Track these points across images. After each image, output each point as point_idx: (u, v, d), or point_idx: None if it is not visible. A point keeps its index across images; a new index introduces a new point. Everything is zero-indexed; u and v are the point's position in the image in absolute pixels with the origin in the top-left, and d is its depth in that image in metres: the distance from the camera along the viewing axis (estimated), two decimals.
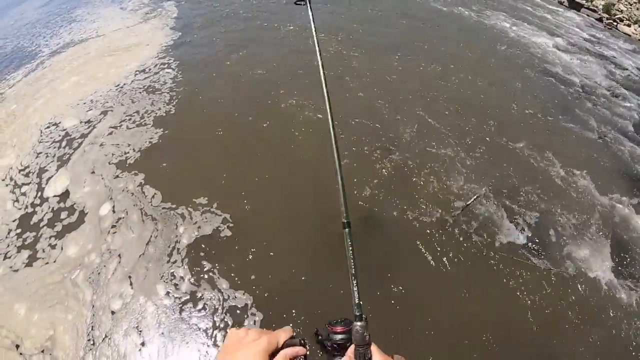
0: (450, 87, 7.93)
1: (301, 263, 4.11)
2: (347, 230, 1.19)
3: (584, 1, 17.92)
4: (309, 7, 2.07)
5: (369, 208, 4.85)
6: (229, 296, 3.81)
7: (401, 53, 8.95)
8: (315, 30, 1.88)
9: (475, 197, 5.06)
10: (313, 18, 1.97)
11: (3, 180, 5.64)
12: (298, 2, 2.19)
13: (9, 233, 4.66)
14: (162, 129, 6.09)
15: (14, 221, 4.81)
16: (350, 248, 1.14)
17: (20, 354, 3.53)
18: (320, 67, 1.66)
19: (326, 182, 4.67)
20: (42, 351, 3.51)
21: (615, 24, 16.67)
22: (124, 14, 13.01)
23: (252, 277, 3.97)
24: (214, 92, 7.04)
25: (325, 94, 1.55)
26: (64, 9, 15.61)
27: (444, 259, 4.36)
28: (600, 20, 16.80)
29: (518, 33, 11.87)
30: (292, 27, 10.00)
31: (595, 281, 4.59)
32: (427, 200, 5.04)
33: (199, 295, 3.82)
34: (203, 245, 4.29)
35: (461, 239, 4.63)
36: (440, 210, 4.91)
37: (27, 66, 9.48)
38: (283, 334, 1.01)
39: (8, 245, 4.50)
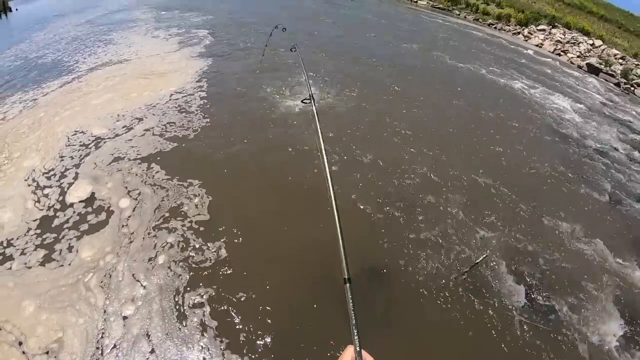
0: (465, 144, 8.45)
1: (301, 314, 4.35)
2: (347, 285, 1.36)
3: (603, 66, 19.09)
4: (313, 106, 2.55)
5: (372, 261, 5.13)
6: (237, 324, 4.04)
7: (419, 111, 9.62)
8: (320, 132, 2.23)
9: (483, 256, 5.29)
10: (318, 117, 2.39)
11: (26, 180, 6.16)
12: (305, 100, 2.69)
13: (28, 231, 5.06)
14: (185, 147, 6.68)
15: (34, 220, 5.23)
16: (351, 301, 1.28)
17: (23, 352, 3.72)
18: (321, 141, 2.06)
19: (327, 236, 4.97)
20: (47, 352, 3.69)
21: (632, 88, 17.65)
22: (157, 41, 14.49)
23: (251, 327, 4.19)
24: (237, 131, 7.72)
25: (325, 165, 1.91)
26: (100, 30, 17.46)
27: (447, 318, 4.53)
28: (618, 85, 17.85)
29: (537, 95, 12.68)
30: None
31: (601, 346, 4.66)
32: (433, 258, 5.31)
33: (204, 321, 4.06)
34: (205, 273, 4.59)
35: (465, 298, 4.80)
36: (445, 269, 5.16)
37: (64, 78, 10.53)
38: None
39: (26, 242, 4.88)
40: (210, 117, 8.11)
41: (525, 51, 20.27)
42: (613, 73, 18.79)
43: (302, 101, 2.75)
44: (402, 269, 5.04)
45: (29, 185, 6.01)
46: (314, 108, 2.54)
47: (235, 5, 23.59)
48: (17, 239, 4.99)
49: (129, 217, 5.37)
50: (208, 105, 8.61)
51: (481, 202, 6.69)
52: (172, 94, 9.05)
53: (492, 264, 5.39)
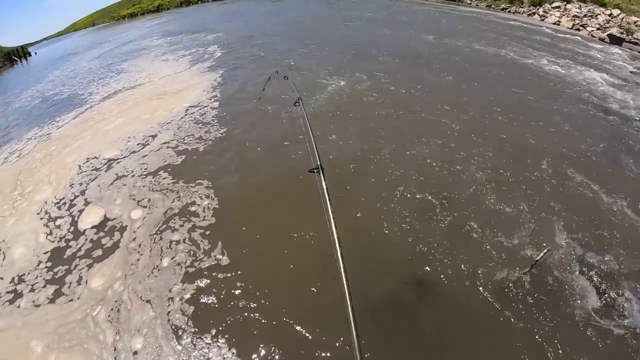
0: (506, 130, 7.80)
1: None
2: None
3: (624, 35, 18.48)
4: (322, 176, 2.42)
5: (422, 270, 4.58)
6: None
7: (453, 101, 9.08)
8: (329, 202, 2.11)
9: (544, 252, 4.63)
10: (327, 190, 2.24)
11: (38, 214, 6.15)
12: (312, 170, 2.52)
13: (38, 265, 4.95)
14: (197, 167, 6.54)
15: (45, 253, 5.14)
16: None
17: None
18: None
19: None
20: None
21: None
22: (168, 64, 14.88)
23: None
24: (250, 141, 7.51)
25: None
26: (112, 62, 18.27)
27: (511, 326, 3.86)
28: None
29: (566, 72, 11.90)
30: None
31: None
32: (489, 259, 4.62)
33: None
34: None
35: (530, 304, 4.15)
36: (505, 270, 4.51)
37: (78, 110, 10.86)
38: None
39: (36, 277, 4.76)
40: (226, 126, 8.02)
41: (544, 30, 19.63)
42: (636, 40, 18.26)
43: (308, 171, 2.60)
44: (451, 275, 4.48)
45: (41, 219, 5.98)
46: (322, 180, 2.41)
47: (238, 24, 24.43)
48: (28, 274, 4.88)
49: (139, 227, 5.25)
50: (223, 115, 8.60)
51: (534, 190, 6.01)
52: (187, 109, 9.10)
53: (555, 259, 4.73)
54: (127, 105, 10.18)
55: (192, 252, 4.82)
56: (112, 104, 10.59)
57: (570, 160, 6.85)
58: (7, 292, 4.74)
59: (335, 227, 1.88)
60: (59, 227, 5.66)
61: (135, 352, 3.70)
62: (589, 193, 5.95)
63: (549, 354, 3.62)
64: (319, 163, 2.53)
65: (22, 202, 6.64)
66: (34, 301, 4.49)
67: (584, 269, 4.57)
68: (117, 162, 7.11)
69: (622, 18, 21.51)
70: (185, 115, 8.74)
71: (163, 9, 59.23)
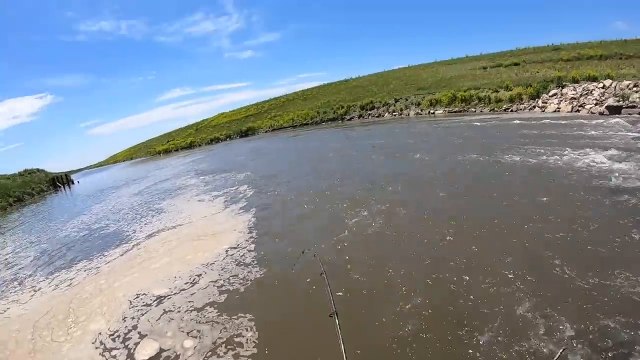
0: (516, 233, 8.57)
1: None
2: None
3: (621, 102, 19.59)
4: (336, 321, 3.37)
5: None
6: None
7: (461, 215, 10.10)
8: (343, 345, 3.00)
9: (561, 350, 4.76)
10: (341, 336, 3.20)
11: (93, 343, 7.25)
12: (331, 315, 3.47)
13: None
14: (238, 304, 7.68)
15: None
16: None
17: None
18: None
19: None
20: None
21: None
22: (204, 204, 17.04)
23: None
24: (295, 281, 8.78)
25: None
26: (152, 200, 20.82)
27: None
28: None
29: (568, 161, 12.77)
30: None
31: None
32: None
33: None
34: None
35: None
36: None
37: (124, 246, 12.63)
38: None
39: None
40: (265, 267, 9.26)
41: (546, 122, 20.95)
42: (634, 104, 19.34)
43: (329, 315, 3.45)
44: None
45: (96, 348, 7.04)
46: (337, 324, 3.34)
47: (263, 162, 27.80)
48: None
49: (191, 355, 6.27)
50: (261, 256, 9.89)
51: (545, 286, 6.46)
52: (227, 250, 10.57)
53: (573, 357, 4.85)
54: (171, 245, 11.85)
55: None
56: (157, 243, 12.31)
57: (579, 251, 7.45)
58: None
59: None
60: (114, 357, 6.71)
61: None
62: (602, 284, 6.25)
63: None
64: (334, 310, 3.39)
65: (77, 330, 7.77)
66: None
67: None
68: (167, 299, 8.38)
69: (615, 86, 22.83)
70: (227, 256, 10.18)
71: (195, 145, 66.39)
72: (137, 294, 8.85)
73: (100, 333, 7.53)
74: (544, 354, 4.92)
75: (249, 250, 10.50)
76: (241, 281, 8.78)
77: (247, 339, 6.70)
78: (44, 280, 11.04)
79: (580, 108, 23.70)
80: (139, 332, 7.33)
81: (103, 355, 6.80)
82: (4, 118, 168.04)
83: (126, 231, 14.70)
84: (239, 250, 10.56)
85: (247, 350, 6.42)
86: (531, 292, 6.38)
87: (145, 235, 13.53)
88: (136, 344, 6.98)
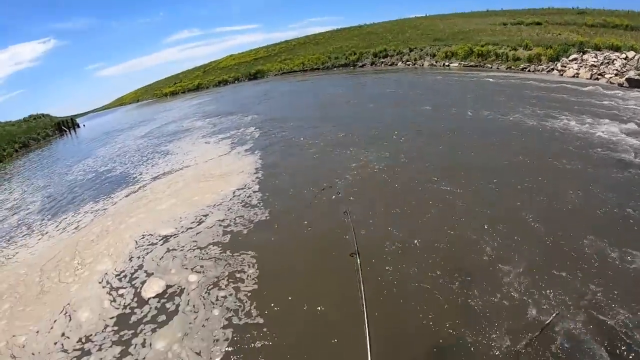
0: (525, 195, 8.36)
1: None
2: None
3: None
4: (357, 260, 3.23)
5: (427, 334, 5.12)
6: None
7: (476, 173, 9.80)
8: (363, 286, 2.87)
9: (553, 315, 4.91)
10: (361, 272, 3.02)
11: (100, 282, 7.34)
12: (352, 255, 3.36)
13: (105, 328, 6.00)
14: (245, 241, 7.70)
15: (110, 318, 6.20)
16: None
17: None
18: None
19: None
20: None
21: None
22: (211, 146, 16.86)
23: None
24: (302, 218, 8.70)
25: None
26: (158, 142, 20.65)
27: None
28: None
29: (583, 128, 12.19)
30: None
31: None
32: (495, 324, 5.08)
33: None
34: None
35: None
36: (511, 336, 4.87)
37: (131, 188, 12.64)
38: None
39: (104, 339, 5.77)
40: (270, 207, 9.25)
41: (564, 86, 20.22)
42: None
43: (350, 255, 3.28)
44: (461, 341, 4.92)
45: (103, 287, 7.15)
46: (358, 262, 3.20)
47: (271, 105, 27.38)
48: (95, 335, 5.91)
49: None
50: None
51: (545, 253, 6.41)
52: (234, 192, 10.52)
53: (565, 323, 4.96)
54: (177, 186, 11.79)
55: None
56: (163, 185, 12.27)
57: (580, 220, 7.34)
58: (75, 350, 5.73)
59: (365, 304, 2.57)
60: (122, 295, 6.78)
61: None
62: (601, 255, 6.22)
63: None
64: (356, 249, 3.36)
65: (84, 271, 7.88)
66: (101, 359, 5.48)
67: (596, 332, 4.79)
68: (173, 238, 8.46)
69: (638, 59, 22.13)
70: (233, 197, 10.13)
71: (202, 87, 65.22)
72: (143, 235, 8.88)
73: (106, 273, 7.62)
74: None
75: (256, 192, 10.41)
76: (247, 222, 8.73)
77: (248, 276, 6.80)
78: (51, 224, 11.17)
79: (599, 77, 22.61)
80: (145, 271, 7.41)
81: (110, 294, 6.90)
82: (6, 65, 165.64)
83: (132, 173, 14.69)
84: (245, 191, 10.47)
85: (247, 286, 6.52)
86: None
87: (151, 177, 13.49)
88: (143, 282, 7.07)
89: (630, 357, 4.44)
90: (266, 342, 5.35)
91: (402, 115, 17.50)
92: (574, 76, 24.09)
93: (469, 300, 5.54)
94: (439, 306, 5.53)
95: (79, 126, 41.66)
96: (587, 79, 22.92)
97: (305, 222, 8.43)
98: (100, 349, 5.64)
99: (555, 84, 21.36)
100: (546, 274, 5.85)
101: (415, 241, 7.03)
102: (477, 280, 5.94)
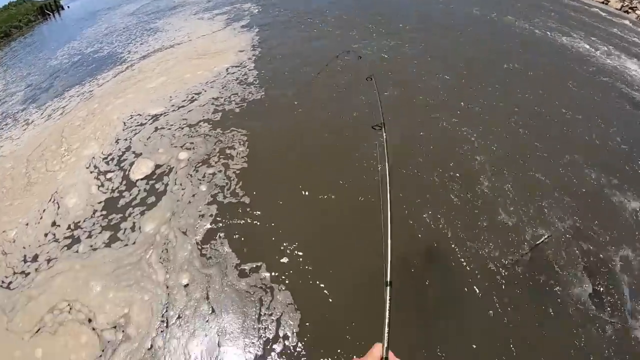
0: (531, 115, 7.71)
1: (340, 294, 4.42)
2: (388, 288, 1.49)
3: None
4: (383, 132, 2.59)
5: (430, 239, 5.00)
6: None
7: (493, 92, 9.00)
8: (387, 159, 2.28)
9: (545, 237, 4.95)
10: (386, 145, 2.39)
11: (87, 167, 6.84)
12: (375, 127, 2.68)
13: (94, 213, 5.65)
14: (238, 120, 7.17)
15: (99, 203, 5.83)
16: (389, 302, 1.42)
17: (93, 328, 4.15)
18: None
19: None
20: (115, 327, 4.10)
21: None
22: (205, 22, 15.32)
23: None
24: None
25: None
26: (148, 19, 18.83)
27: (500, 303, 4.28)
28: None
29: (604, 58, 10.86)
30: None
31: None
32: (493, 237, 5.05)
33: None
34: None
35: (523, 282, 4.53)
36: (505, 250, 4.89)
37: (118, 68, 11.58)
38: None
39: (93, 225, 5.46)
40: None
41: (590, 9, 18.12)
42: None
43: (372, 127, 2.75)
44: (454, 251, 4.86)
45: (91, 172, 6.67)
46: (384, 136, 2.57)
47: None
48: (84, 221, 5.58)
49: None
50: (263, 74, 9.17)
51: (544, 177, 6.16)
52: (228, 69, 9.63)
53: (555, 243, 5.01)
54: (167, 64, 10.76)
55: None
56: (153, 63, 11.22)
57: (586, 149, 6.91)
58: (65, 238, 5.45)
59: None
60: (109, 179, 6.32)
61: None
62: (598, 186, 6.09)
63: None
64: (382, 119, 2.75)
65: (71, 157, 7.35)
66: (91, 246, 5.16)
67: (579, 257, 4.86)
68: (163, 116, 7.85)
69: None
70: (228, 74, 9.26)
71: None
72: (131, 115, 8.19)
73: (94, 157, 7.10)
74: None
75: (251, 69, 9.52)
76: (241, 100, 8.04)
77: (237, 153, 6.46)
78: (36, 113, 10.42)
79: (630, 10, 20.16)
80: (133, 152, 6.89)
81: (98, 179, 6.44)
82: None
83: (120, 53, 13.46)
84: (240, 69, 9.55)
85: (236, 164, 6.22)
86: None
87: (140, 56, 12.33)
88: (131, 164, 6.59)
89: None
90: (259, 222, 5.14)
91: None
92: (603, 2, 21.38)
93: None
94: None
95: (63, 8, 38.65)
96: (617, 9, 20.57)
97: (298, 103, 7.82)
98: (90, 236, 5.35)
99: (582, 4, 19.40)
100: None
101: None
102: None
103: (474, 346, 3.87)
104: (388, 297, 1.43)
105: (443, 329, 4.05)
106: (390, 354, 1.25)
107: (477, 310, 4.20)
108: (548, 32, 12.45)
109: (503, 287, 4.42)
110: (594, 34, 13.03)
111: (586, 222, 5.36)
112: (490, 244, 4.91)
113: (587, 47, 11.54)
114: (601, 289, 4.56)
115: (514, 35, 12.17)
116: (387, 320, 1.35)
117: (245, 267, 4.60)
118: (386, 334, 1.30)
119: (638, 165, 6.58)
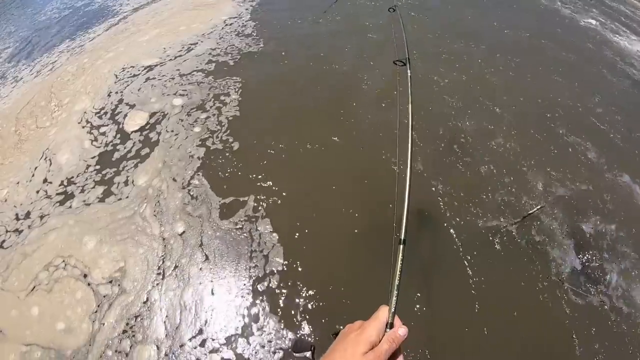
0: (539, 89, 7.44)
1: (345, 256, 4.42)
2: (402, 246, 1.45)
3: None
4: (408, 69, 2.46)
5: (421, 201, 4.98)
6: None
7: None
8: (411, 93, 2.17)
9: (538, 207, 4.97)
10: (411, 82, 2.28)
11: (79, 122, 6.70)
12: (396, 62, 2.48)
13: (87, 168, 5.59)
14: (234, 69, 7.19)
15: (92, 158, 5.76)
16: (401, 263, 1.38)
17: (88, 283, 4.14)
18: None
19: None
20: (110, 282, 4.09)
21: None
22: None
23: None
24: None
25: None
26: None
27: (487, 272, 4.34)
28: None
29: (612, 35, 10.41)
30: None
31: None
32: (486, 204, 5.07)
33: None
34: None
35: (512, 251, 4.58)
36: (498, 216, 4.92)
37: (110, 21, 11.23)
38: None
39: (85, 180, 5.40)
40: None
41: None
42: None
43: (394, 62, 2.57)
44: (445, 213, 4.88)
45: (83, 127, 6.54)
46: (408, 73, 2.43)
47: None
48: (77, 177, 5.52)
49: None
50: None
51: (542, 148, 6.09)
52: (225, 21, 9.34)
53: (549, 214, 5.04)
54: (162, 16, 10.42)
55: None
56: (146, 15, 10.90)
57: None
58: (58, 194, 5.38)
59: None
60: (103, 133, 6.21)
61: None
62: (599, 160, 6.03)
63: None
64: (407, 55, 2.59)
65: (61, 113, 7.21)
66: (84, 201, 5.10)
67: (574, 231, 4.90)
68: (157, 67, 7.69)
69: None
70: (225, 26, 8.99)
71: None
72: (124, 68, 7.97)
73: (85, 112, 6.94)
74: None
75: (249, 20, 9.30)
76: (238, 51, 7.93)
77: (231, 100, 6.53)
78: (24, 69, 10.19)
79: None
80: (127, 104, 6.76)
81: (91, 133, 6.33)
82: None
83: (112, 6, 13.02)
84: (238, 20, 9.29)
85: (230, 110, 6.32)
86: None
87: (132, 8, 11.96)
88: (125, 116, 6.48)
89: None
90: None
91: None
92: None
93: None
94: None
95: None
96: None
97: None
98: (82, 191, 5.29)
99: None
100: None
101: None
102: None
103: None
104: (400, 257, 1.39)
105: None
106: (397, 320, 1.22)
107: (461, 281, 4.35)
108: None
109: (489, 254, 4.55)
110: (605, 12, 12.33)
111: (587, 197, 5.44)
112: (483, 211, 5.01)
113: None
114: (591, 265, 4.67)
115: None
116: (397, 283, 1.32)
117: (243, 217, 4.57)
118: (394, 298, 1.27)
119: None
